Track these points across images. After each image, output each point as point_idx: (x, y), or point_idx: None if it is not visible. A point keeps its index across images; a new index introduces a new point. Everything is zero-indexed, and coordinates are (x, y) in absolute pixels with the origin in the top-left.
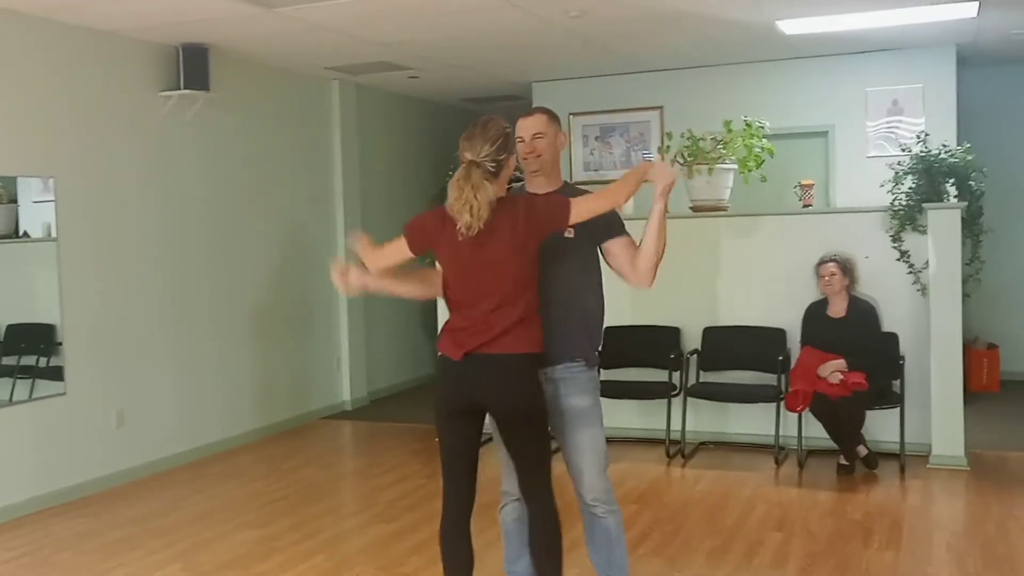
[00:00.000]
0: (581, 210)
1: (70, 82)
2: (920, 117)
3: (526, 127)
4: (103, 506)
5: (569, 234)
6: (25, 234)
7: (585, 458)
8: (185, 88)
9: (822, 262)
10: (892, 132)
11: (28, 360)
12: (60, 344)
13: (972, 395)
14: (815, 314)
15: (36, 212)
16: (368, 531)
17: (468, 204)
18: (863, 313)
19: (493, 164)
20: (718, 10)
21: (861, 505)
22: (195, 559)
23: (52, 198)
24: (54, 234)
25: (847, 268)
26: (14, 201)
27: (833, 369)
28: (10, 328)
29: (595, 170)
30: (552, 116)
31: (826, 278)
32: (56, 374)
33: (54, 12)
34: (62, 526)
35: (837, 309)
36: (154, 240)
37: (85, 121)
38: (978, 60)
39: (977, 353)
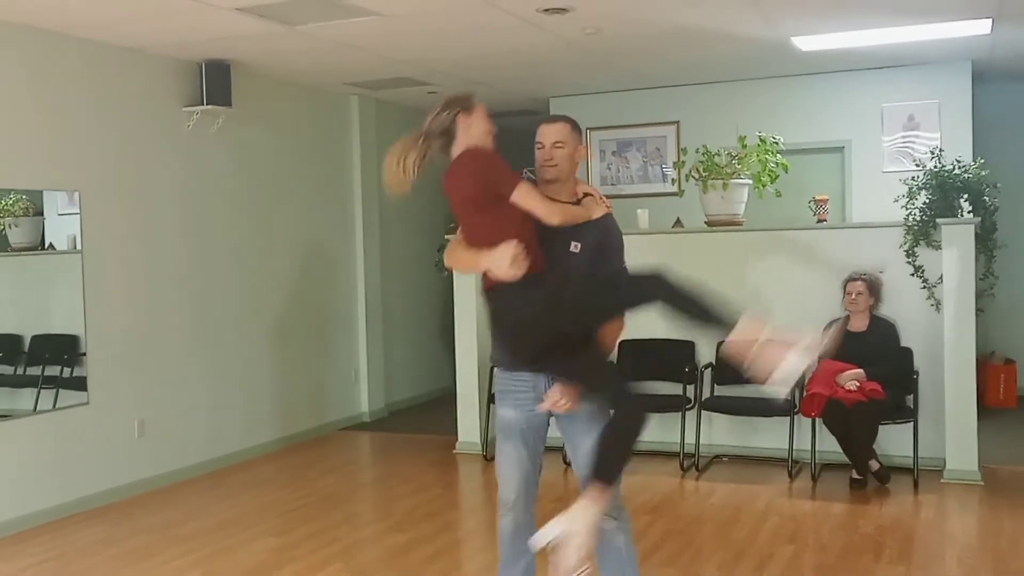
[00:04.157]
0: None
1: (95, 98)
2: (936, 132)
3: (547, 134)
4: (125, 514)
5: (575, 248)
6: (51, 246)
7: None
8: (208, 104)
9: (850, 279)
10: (908, 147)
11: (52, 370)
12: (83, 355)
13: (988, 410)
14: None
15: (62, 225)
16: (385, 540)
17: None
18: (883, 328)
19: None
20: (732, 27)
21: (874, 519)
22: (214, 566)
23: (76, 211)
24: (79, 246)
25: (874, 288)
26: (40, 214)
27: (852, 377)
28: (35, 339)
29: (612, 184)
30: (575, 126)
31: (852, 296)
32: (79, 384)
33: (80, 30)
34: (84, 533)
35: (858, 325)
36: (176, 253)
37: (110, 136)
38: (994, 75)
39: (994, 368)
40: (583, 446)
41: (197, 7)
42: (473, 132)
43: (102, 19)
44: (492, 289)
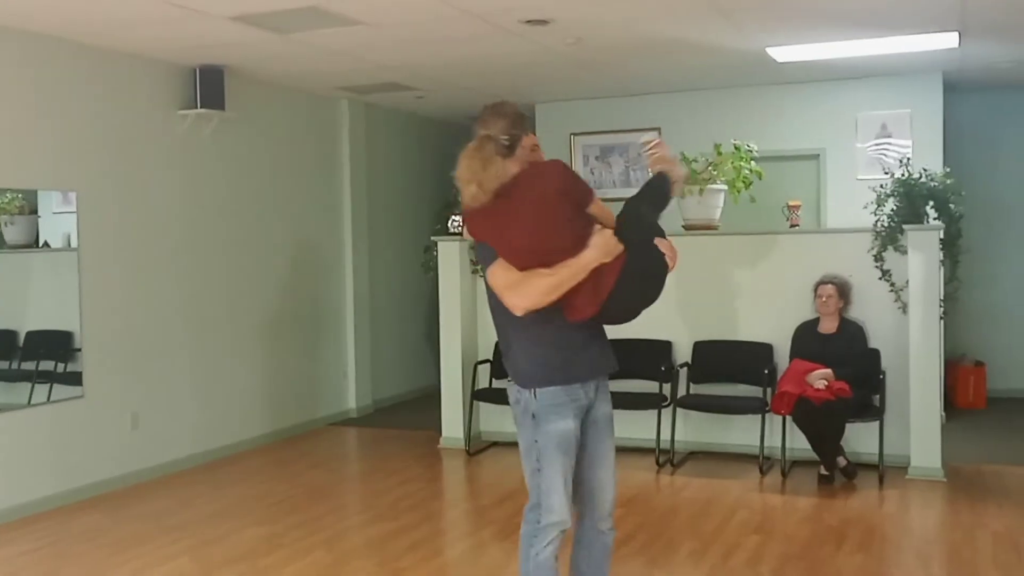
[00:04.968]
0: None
1: (93, 101)
2: (908, 140)
3: (528, 140)
4: (118, 503)
5: None
6: (45, 244)
7: (610, 468)
8: (202, 107)
9: (821, 283)
10: (881, 155)
11: (46, 365)
12: (77, 350)
13: (958, 410)
14: (806, 331)
15: (56, 223)
16: (368, 529)
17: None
18: (852, 330)
19: (507, 138)
20: (708, 38)
21: (838, 512)
22: (204, 553)
23: (71, 209)
24: (74, 244)
25: (843, 291)
26: (34, 212)
27: (821, 377)
28: (29, 335)
29: (596, 188)
30: None
31: (823, 298)
32: (72, 379)
33: (79, 35)
34: (79, 521)
35: (828, 327)
36: (170, 251)
37: (107, 138)
38: (965, 86)
39: (964, 370)
40: (599, 452)
41: (193, 16)
42: (527, 156)
43: (100, 25)
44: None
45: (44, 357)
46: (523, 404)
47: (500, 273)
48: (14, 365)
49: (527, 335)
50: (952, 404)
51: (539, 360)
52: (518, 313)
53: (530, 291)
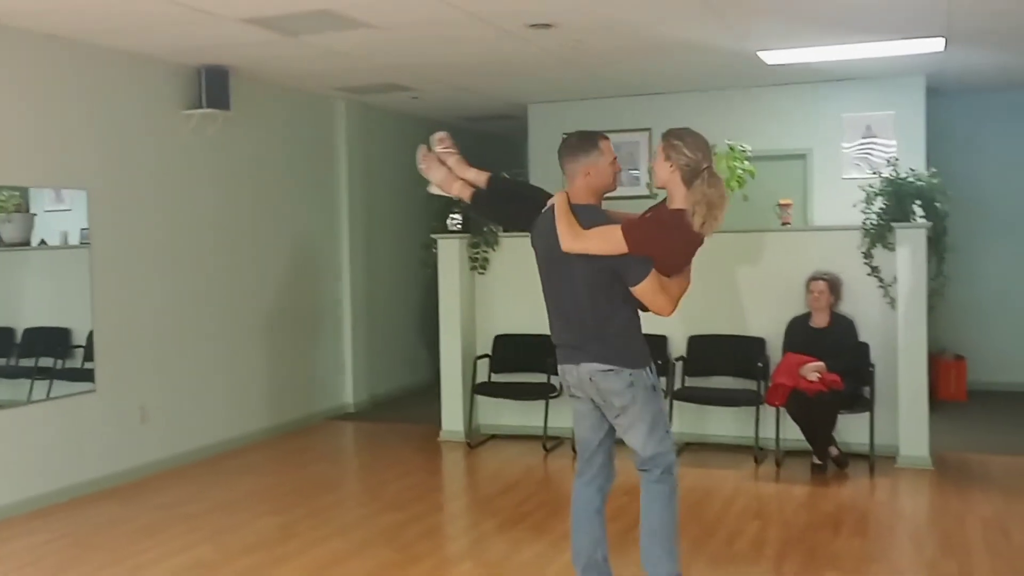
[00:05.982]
0: None
1: (101, 101)
2: (892, 141)
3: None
4: (131, 495)
5: None
6: (43, 242)
7: None
8: (207, 107)
9: (813, 279)
10: (866, 155)
11: (45, 362)
12: (76, 347)
13: (940, 403)
14: (798, 324)
15: (50, 221)
16: (379, 519)
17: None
18: (843, 324)
19: None
20: (703, 41)
21: (833, 499)
22: (222, 541)
23: (64, 207)
24: (71, 242)
25: (834, 287)
26: (27, 210)
27: (813, 369)
28: (27, 332)
29: None
30: None
31: (815, 294)
32: (72, 375)
33: (87, 35)
34: (95, 512)
35: (819, 321)
36: (176, 249)
37: (115, 138)
38: (948, 89)
39: (945, 364)
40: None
41: (205, 17)
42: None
43: (111, 26)
44: None
45: (42, 354)
46: (643, 381)
47: (655, 280)
48: (12, 362)
49: (639, 324)
50: (935, 397)
51: (645, 342)
52: (668, 314)
53: (679, 293)
